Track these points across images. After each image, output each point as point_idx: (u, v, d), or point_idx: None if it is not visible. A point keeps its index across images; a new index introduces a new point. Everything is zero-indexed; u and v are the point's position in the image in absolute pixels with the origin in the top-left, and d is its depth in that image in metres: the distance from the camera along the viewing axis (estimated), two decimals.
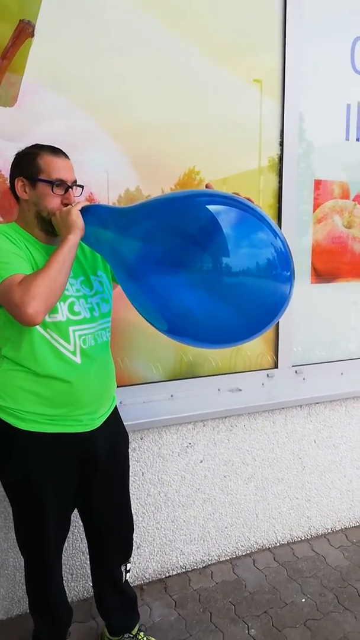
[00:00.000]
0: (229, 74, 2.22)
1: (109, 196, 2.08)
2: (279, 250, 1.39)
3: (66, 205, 1.53)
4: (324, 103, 2.44)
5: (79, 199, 1.58)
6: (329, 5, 2.39)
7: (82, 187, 1.59)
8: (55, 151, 1.55)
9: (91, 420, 1.61)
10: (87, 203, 1.55)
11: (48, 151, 1.54)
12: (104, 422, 1.66)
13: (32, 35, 1.88)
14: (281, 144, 2.36)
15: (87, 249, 1.69)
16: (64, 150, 1.57)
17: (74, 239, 1.47)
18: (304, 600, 2.24)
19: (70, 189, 1.55)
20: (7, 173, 1.59)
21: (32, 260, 1.51)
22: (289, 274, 1.41)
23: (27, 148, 1.57)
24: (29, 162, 1.52)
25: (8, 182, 1.59)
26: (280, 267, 1.39)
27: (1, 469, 1.63)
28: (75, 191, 1.58)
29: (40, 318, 1.39)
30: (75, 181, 1.57)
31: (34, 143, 1.58)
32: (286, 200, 2.40)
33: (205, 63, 2.17)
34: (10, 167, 1.57)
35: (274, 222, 1.45)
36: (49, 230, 1.56)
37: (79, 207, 1.51)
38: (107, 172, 2.07)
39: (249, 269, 1.35)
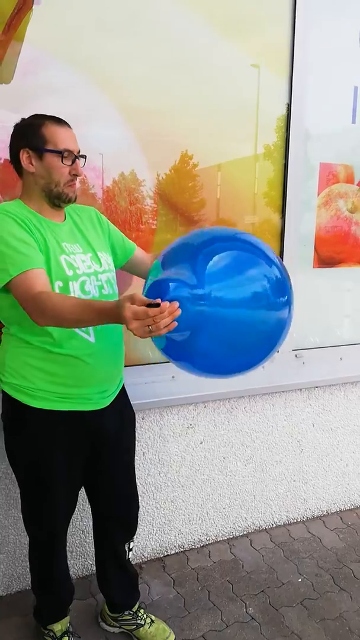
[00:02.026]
0: (233, 53, 2.17)
1: (103, 180, 2.04)
2: (274, 279, 1.42)
3: (74, 176, 1.51)
4: (331, 85, 2.41)
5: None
6: None
7: (85, 157, 1.55)
8: (59, 121, 1.51)
9: (101, 399, 1.61)
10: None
11: (52, 121, 1.50)
12: (113, 400, 1.66)
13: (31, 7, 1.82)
14: (287, 127, 2.33)
15: (90, 225, 1.67)
16: None
17: (107, 321, 1.29)
18: (300, 580, 2.27)
19: (77, 159, 1.52)
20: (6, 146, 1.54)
21: (42, 240, 1.47)
22: (286, 298, 1.44)
23: (28, 118, 1.53)
24: (34, 133, 1.48)
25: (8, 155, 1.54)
26: (276, 294, 1.42)
27: (12, 447, 1.64)
28: (80, 161, 1.54)
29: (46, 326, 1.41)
30: (79, 151, 1.54)
31: (33, 113, 1.52)
32: (291, 185, 2.38)
33: (209, 40, 2.12)
34: (10, 139, 1.52)
35: (269, 248, 1.49)
36: (55, 204, 1.53)
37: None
38: (102, 155, 2.02)
39: (246, 307, 1.38)
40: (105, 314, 1.27)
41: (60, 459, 1.59)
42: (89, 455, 1.67)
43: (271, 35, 2.24)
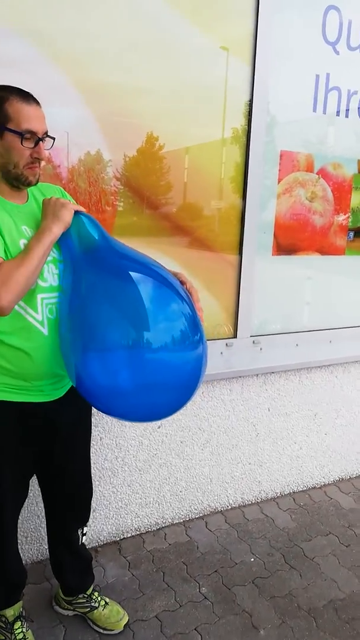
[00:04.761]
0: (200, 37, 2.15)
1: (68, 159, 1.99)
2: (187, 315, 1.43)
3: (36, 159, 1.43)
4: (293, 73, 2.42)
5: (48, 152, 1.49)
6: None
7: (54, 138, 1.48)
8: (26, 97, 1.41)
9: (54, 390, 1.58)
10: (83, 209, 1.53)
11: (18, 96, 1.40)
12: (67, 390, 1.63)
13: None
14: (249, 113, 2.32)
15: None
16: None
17: (57, 232, 1.44)
18: (252, 559, 2.33)
19: (41, 142, 1.43)
20: None
21: None
22: (197, 337, 1.44)
23: None
24: None
25: None
26: (191, 333, 1.42)
27: None
28: (46, 143, 1.46)
29: (10, 310, 1.36)
30: (47, 132, 1.45)
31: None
32: (252, 172, 2.38)
33: (177, 23, 2.09)
34: None
35: (175, 281, 1.49)
36: (14, 185, 1.46)
37: (76, 207, 1.49)
38: (67, 133, 1.96)
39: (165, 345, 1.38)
40: (48, 229, 1.42)
41: (9, 448, 1.56)
42: (42, 444, 1.65)
43: (236, 19, 2.22)
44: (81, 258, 1.48)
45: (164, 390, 1.43)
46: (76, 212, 1.49)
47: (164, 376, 1.40)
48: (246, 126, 2.34)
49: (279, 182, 2.51)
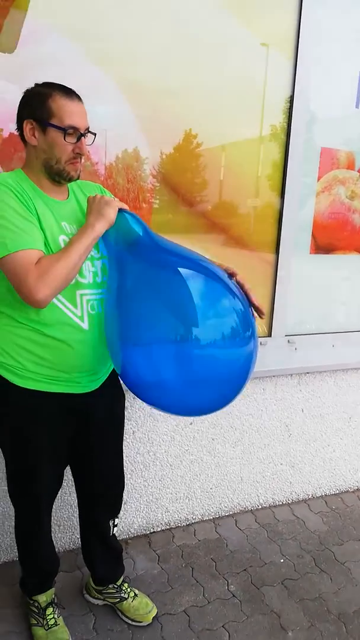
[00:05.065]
0: (241, 33, 2.14)
1: (106, 156, 2.02)
2: (239, 310, 1.41)
3: (78, 155, 1.46)
4: (335, 69, 2.38)
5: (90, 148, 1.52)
6: None
7: (95, 134, 1.50)
8: (69, 93, 1.43)
9: (90, 382, 1.60)
10: (127, 207, 1.52)
11: (61, 92, 1.42)
12: (103, 383, 1.65)
13: None
14: (290, 110, 2.30)
15: (85, 208, 1.60)
16: None
17: (100, 229, 1.44)
18: (282, 560, 2.32)
19: (83, 137, 1.45)
20: (7, 117, 1.49)
21: (37, 217, 1.43)
22: (249, 332, 1.41)
23: (37, 86, 1.45)
24: (40, 104, 1.41)
25: (16, 123, 1.48)
26: (242, 329, 1.40)
27: None
28: (88, 139, 1.48)
29: (47, 304, 1.38)
30: (88, 128, 1.47)
31: (43, 81, 1.45)
32: (291, 170, 2.36)
33: (218, 20, 2.09)
34: (18, 106, 1.46)
35: (228, 279, 1.47)
36: (56, 180, 1.49)
37: (120, 205, 1.49)
38: (105, 131, 1.98)
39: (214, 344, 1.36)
40: (92, 225, 1.43)
41: (45, 438, 1.59)
42: (77, 435, 1.68)
43: (279, 14, 2.20)
44: (126, 255, 1.47)
45: (211, 386, 1.42)
46: (120, 210, 1.48)
47: (212, 372, 1.39)
48: (285, 123, 2.32)
49: (318, 179, 2.48)
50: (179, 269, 1.42)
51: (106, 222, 1.44)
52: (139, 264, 1.45)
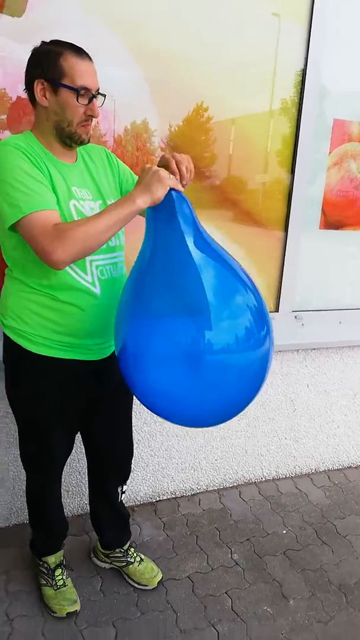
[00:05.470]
0: (252, 2, 2.10)
1: (114, 127, 2.00)
2: (254, 308, 1.34)
3: (90, 117, 1.42)
4: (349, 40, 2.34)
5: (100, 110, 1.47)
6: None
7: (105, 96, 1.45)
8: (80, 52, 1.39)
9: (101, 350, 1.61)
10: (181, 188, 1.41)
11: (72, 51, 1.38)
12: (114, 351, 1.66)
13: None
14: (302, 83, 2.28)
15: (100, 167, 1.59)
16: None
17: (141, 205, 1.35)
18: (284, 532, 2.36)
19: (94, 99, 1.42)
20: (14, 78, 1.45)
21: (50, 179, 1.41)
22: (264, 332, 1.35)
23: (46, 44, 1.40)
24: (51, 63, 1.37)
25: (24, 82, 1.43)
26: (257, 329, 1.33)
27: (10, 389, 1.66)
28: (98, 100, 1.44)
29: (65, 266, 1.34)
30: (99, 89, 1.43)
31: (52, 39, 1.40)
32: (302, 144, 2.34)
33: None
34: (26, 65, 1.42)
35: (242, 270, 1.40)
36: (66, 144, 1.46)
37: (172, 184, 1.37)
38: (114, 101, 1.95)
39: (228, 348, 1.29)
40: (133, 199, 1.34)
41: (57, 404, 1.61)
42: (87, 401, 1.70)
43: None
44: (164, 236, 1.39)
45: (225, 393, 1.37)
46: (171, 189, 1.38)
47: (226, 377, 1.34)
48: (295, 97, 2.30)
49: (329, 153, 2.46)
50: (208, 264, 1.35)
51: (150, 200, 1.35)
52: (171, 250, 1.37)
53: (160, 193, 1.35)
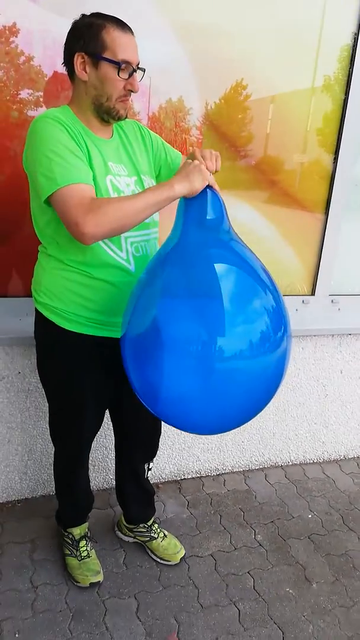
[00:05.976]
0: None
1: (150, 104, 1.95)
2: (273, 309, 1.33)
3: (129, 92, 1.41)
4: None
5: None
6: None
7: (144, 70, 1.43)
8: (122, 25, 1.36)
9: None
10: (217, 188, 1.42)
11: (114, 24, 1.35)
12: None
13: None
14: (352, 56, 2.17)
15: (134, 142, 1.58)
16: None
17: (179, 192, 1.35)
18: (310, 516, 2.35)
19: (134, 73, 1.40)
20: (53, 52, 1.42)
21: (88, 154, 1.40)
22: (281, 333, 1.33)
23: (87, 17, 1.38)
24: (92, 36, 1.34)
25: (63, 56, 1.41)
26: (274, 332, 1.31)
27: (43, 366, 1.68)
28: (137, 75, 1.42)
29: (93, 241, 1.34)
30: (139, 63, 1.40)
31: (92, 12, 1.37)
32: (350, 120, 2.24)
33: None
34: (66, 38, 1.39)
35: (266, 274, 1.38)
36: (104, 119, 1.45)
37: (212, 181, 1.40)
38: (150, 78, 1.90)
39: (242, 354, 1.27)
40: (171, 185, 1.35)
41: (89, 381, 1.62)
42: (118, 380, 1.69)
43: None
44: (191, 230, 1.39)
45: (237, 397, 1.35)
46: (208, 187, 1.39)
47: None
48: (340, 74, 2.19)
49: None
50: (229, 270, 1.34)
51: (188, 188, 1.36)
52: (197, 246, 1.36)
53: (198, 184, 1.36)
